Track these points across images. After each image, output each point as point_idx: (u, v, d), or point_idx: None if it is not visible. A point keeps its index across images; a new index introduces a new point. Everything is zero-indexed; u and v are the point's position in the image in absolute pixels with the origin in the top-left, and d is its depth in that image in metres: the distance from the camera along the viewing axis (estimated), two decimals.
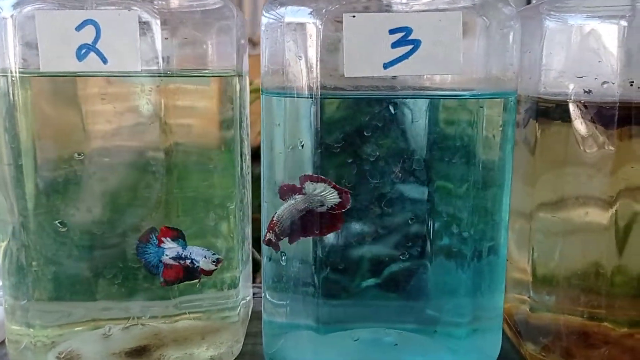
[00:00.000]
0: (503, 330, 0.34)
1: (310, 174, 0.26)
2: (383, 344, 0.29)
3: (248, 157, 0.33)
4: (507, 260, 0.33)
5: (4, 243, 0.29)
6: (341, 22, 0.25)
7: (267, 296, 0.30)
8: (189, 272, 0.28)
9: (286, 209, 0.26)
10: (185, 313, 0.29)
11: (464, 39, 0.25)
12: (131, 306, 0.29)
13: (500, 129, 0.27)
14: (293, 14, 0.26)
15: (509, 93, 0.27)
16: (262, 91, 0.28)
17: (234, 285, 0.30)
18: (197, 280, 0.29)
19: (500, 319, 0.30)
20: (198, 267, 0.28)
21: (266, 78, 0.28)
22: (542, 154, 0.29)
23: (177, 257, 0.28)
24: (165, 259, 0.28)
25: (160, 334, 0.30)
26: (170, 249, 0.28)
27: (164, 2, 0.27)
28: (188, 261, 0.28)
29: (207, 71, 0.28)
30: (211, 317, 0.30)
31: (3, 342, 0.33)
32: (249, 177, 0.33)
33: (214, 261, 0.28)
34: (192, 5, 0.28)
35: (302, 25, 0.26)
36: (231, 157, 0.29)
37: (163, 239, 0.28)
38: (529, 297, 0.30)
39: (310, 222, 0.26)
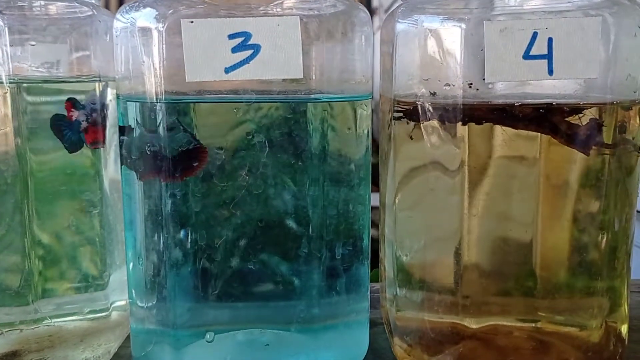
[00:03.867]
0: (383, 329, 0.34)
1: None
2: (255, 344, 0.29)
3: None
4: (381, 261, 0.33)
5: None
6: (177, 27, 0.25)
7: (134, 300, 0.30)
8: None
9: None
10: (46, 317, 0.29)
11: (309, 44, 0.26)
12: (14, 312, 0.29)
13: (349, 131, 0.28)
14: (140, 19, 0.27)
15: (360, 96, 0.28)
16: (117, 97, 0.28)
17: (101, 288, 0.30)
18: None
19: (366, 316, 0.30)
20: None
21: (120, 83, 0.28)
22: (400, 153, 0.30)
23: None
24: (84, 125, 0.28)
25: (32, 338, 0.30)
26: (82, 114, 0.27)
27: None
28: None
29: (61, 77, 0.28)
30: (79, 320, 0.30)
31: None
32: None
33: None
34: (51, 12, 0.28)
35: (147, 30, 0.26)
36: (94, 162, 0.29)
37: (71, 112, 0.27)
38: (394, 296, 0.31)
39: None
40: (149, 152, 0.27)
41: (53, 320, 0.29)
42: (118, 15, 0.28)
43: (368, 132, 0.28)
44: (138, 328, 0.30)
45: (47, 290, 0.29)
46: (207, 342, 0.28)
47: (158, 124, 0.26)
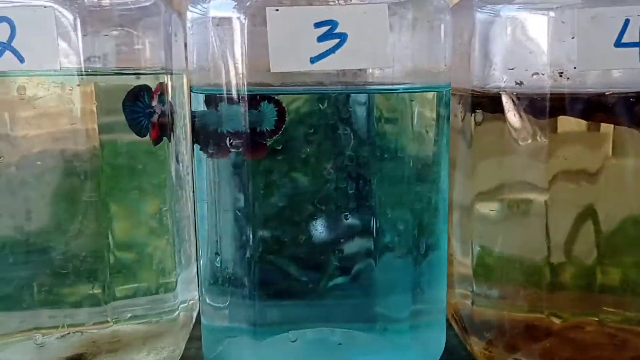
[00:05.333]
0: (451, 327, 0.34)
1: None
2: (327, 343, 0.29)
3: (187, 157, 0.32)
4: (452, 255, 0.32)
5: None
6: (261, 16, 0.25)
7: (206, 299, 0.29)
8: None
9: None
10: (119, 319, 0.28)
11: (394, 33, 0.25)
12: (65, 314, 0.28)
13: (434, 122, 0.27)
14: (217, 8, 0.26)
15: (441, 86, 0.27)
16: (190, 89, 0.27)
17: (171, 289, 0.29)
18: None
19: (443, 314, 0.30)
20: None
21: (193, 75, 0.27)
22: (478, 147, 0.29)
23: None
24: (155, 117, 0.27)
25: (98, 341, 0.29)
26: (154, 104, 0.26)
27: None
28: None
29: (131, 69, 0.27)
30: (148, 322, 0.29)
31: None
32: (189, 178, 0.33)
33: None
34: (117, 2, 0.27)
35: (226, 20, 0.25)
36: (163, 158, 0.28)
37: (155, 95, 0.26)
38: (472, 292, 0.30)
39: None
40: (229, 145, 0.26)
41: (124, 322, 0.28)
42: (190, 7, 0.27)
43: (448, 122, 0.28)
44: (210, 327, 0.29)
45: (119, 291, 0.28)
46: (291, 341, 0.27)
47: (239, 115, 0.25)
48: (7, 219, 0.27)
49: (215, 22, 0.26)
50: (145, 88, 0.27)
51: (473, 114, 0.29)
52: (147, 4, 0.28)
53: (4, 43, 0.25)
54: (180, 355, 0.31)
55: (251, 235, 0.26)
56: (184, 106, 0.32)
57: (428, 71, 0.26)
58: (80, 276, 0.27)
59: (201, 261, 0.28)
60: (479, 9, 0.28)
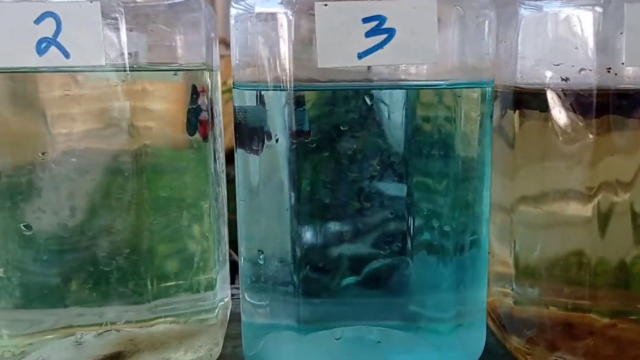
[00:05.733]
0: (487, 324, 0.33)
1: None
2: (366, 341, 0.28)
3: (222, 155, 0.32)
4: (489, 253, 0.32)
5: None
6: (313, 11, 0.24)
7: (246, 297, 0.29)
8: None
9: None
10: (160, 317, 0.28)
11: (440, 28, 0.25)
12: (104, 311, 0.28)
13: (479, 119, 0.27)
14: (263, 4, 0.26)
15: (486, 83, 0.27)
16: (233, 85, 0.27)
17: (210, 287, 0.29)
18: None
19: (484, 313, 0.29)
20: None
21: (237, 71, 0.27)
22: (521, 146, 0.29)
23: None
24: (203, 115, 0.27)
25: (136, 339, 0.29)
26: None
27: None
28: None
29: (175, 65, 0.27)
30: (188, 321, 0.29)
31: None
32: (224, 176, 0.32)
33: None
34: None
35: (272, 16, 0.25)
36: (204, 155, 0.28)
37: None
38: (512, 290, 0.30)
39: None
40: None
41: (164, 321, 0.28)
42: (234, 3, 0.27)
43: (491, 119, 0.28)
44: (251, 324, 0.29)
45: (161, 289, 0.28)
46: (335, 339, 0.27)
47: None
48: (50, 216, 0.26)
49: (261, 18, 0.25)
50: (194, 86, 0.27)
51: (516, 111, 0.28)
52: (190, 1, 0.28)
53: (50, 38, 0.25)
54: (219, 354, 0.30)
55: (296, 233, 0.26)
56: (219, 102, 0.32)
57: (474, 67, 0.26)
58: (123, 274, 0.27)
59: (242, 259, 0.28)
60: (522, 5, 0.28)
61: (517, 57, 0.28)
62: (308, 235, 0.26)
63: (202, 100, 0.28)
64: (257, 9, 0.26)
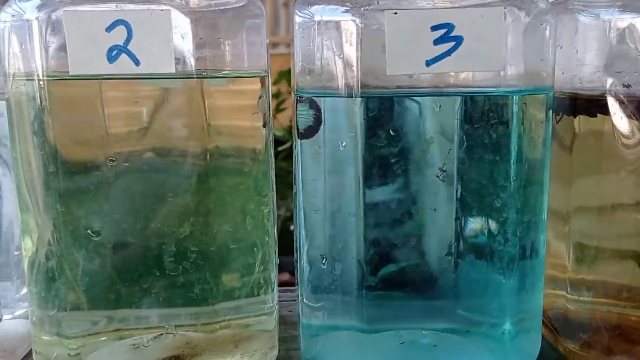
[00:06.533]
0: None
1: None
2: (421, 345, 0.29)
3: (272, 161, 0.33)
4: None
5: (30, 252, 0.28)
6: (375, 19, 0.25)
7: (305, 299, 0.29)
8: None
9: None
10: (223, 320, 0.28)
11: (510, 34, 0.25)
12: (164, 314, 0.28)
13: (542, 125, 0.27)
14: (328, 13, 0.26)
15: (548, 89, 0.27)
16: (295, 91, 0.28)
17: (270, 289, 0.30)
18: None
19: (540, 318, 0.30)
20: None
21: (301, 78, 0.27)
22: (579, 151, 0.29)
23: None
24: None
25: (192, 342, 0.29)
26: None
27: (195, 0, 0.26)
28: None
29: (241, 71, 0.27)
30: (249, 324, 0.29)
31: (27, 355, 0.33)
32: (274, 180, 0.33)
33: None
34: (223, 3, 0.27)
35: (339, 24, 0.26)
36: (265, 159, 0.29)
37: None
38: (567, 293, 0.30)
39: None
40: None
41: (225, 324, 0.28)
42: (298, 11, 0.27)
43: (550, 126, 0.28)
44: (310, 326, 0.29)
45: (226, 292, 0.28)
46: (400, 343, 0.27)
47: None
48: (118, 219, 0.27)
49: (327, 26, 0.26)
50: (256, 91, 0.27)
51: (574, 117, 0.29)
52: (252, 7, 0.28)
53: (120, 46, 0.25)
54: (276, 356, 0.31)
55: (362, 237, 0.26)
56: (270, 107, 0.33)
57: (536, 74, 0.26)
58: (188, 277, 0.27)
59: (302, 262, 0.29)
60: (580, 12, 0.28)
61: (576, 63, 0.28)
62: (374, 239, 0.26)
63: (263, 105, 0.28)
64: (323, 17, 0.26)
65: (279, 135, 1.09)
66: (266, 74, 0.29)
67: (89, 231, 0.27)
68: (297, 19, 0.27)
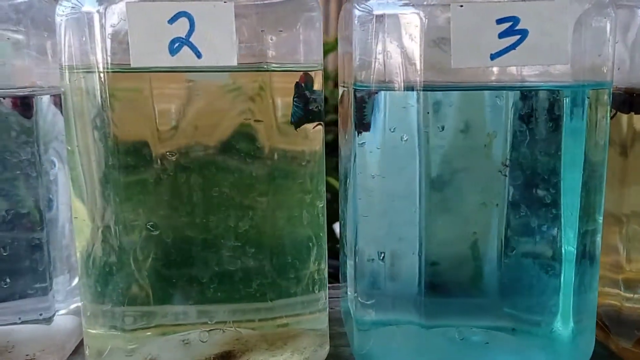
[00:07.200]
0: None
1: None
2: (475, 342, 0.29)
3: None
4: None
5: (85, 246, 0.28)
6: (438, 13, 0.25)
7: (358, 296, 0.29)
8: None
9: None
10: (280, 317, 0.28)
11: (572, 29, 0.25)
12: (219, 310, 0.28)
13: (603, 120, 0.27)
14: (387, 6, 0.26)
15: (608, 83, 0.27)
16: (354, 85, 0.27)
17: (323, 286, 0.29)
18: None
19: (594, 317, 0.29)
20: None
21: (359, 72, 0.27)
22: (635, 147, 0.29)
23: None
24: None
25: (242, 338, 0.29)
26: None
27: None
28: None
29: (299, 65, 0.27)
30: (302, 320, 0.29)
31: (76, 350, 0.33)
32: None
33: None
34: None
35: (400, 17, 0.25)
36: (322, 155, 0.28)
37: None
38: (621, 292, 0.30)
39: None
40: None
41: (279, 321, 0.28)
42: (357, 5, 0.27)
43: (609, 122, 0.28)
44: (363, 322, 0.29)
45: (283, 289, 0.28)
46: (460, 339, 0.27)
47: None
48: (178, 214, 0.27)
49: (388, 20, 0.26)
50: (307, 78, 0.27)
51: (629, 113, 0.29)
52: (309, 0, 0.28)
53: (183, 38, 0.25)
54: (327, 354, 0.31)
55: (423, 233, 0.26)
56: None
57: (598, 68, 0.26)
58: (247, 273, 0.27)
59: (356, 258, 0.28)
60: (639, 7, 0.28)
61: (634, 58, 0.28)
62: (436, 234, 0.26)
63: (320, 99, 0.28)
64: (383, 11, 0.26)
65: None
66: (322, 68, 0.29)
67: (148, 225, 0.26)
68: (356, 13, 0.27)
